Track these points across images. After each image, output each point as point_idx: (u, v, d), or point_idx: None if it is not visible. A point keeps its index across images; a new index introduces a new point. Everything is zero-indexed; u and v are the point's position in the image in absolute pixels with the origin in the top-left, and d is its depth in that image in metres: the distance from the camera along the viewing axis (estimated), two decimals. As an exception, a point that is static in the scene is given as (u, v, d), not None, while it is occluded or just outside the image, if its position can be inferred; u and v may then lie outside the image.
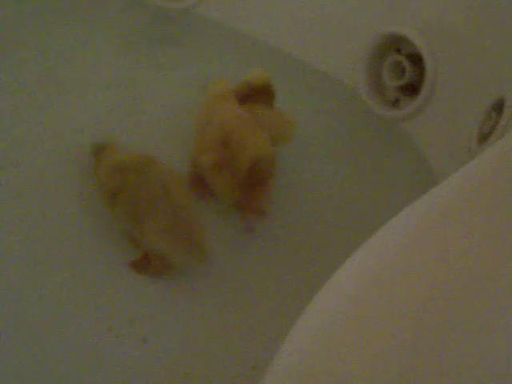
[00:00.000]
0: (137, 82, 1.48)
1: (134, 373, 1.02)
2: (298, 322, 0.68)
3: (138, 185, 1.12)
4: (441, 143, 1.50)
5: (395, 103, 1.63)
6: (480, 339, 0.59)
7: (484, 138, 1.33)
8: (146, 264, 1.15)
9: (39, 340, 1.03)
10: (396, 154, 1.58)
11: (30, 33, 1.54)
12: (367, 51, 1.62)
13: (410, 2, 1.57)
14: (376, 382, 0.59)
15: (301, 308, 0.71)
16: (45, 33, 1.55)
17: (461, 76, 1.49)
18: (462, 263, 0.65)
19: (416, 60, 1.57)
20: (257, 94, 1.34)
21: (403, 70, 1.57)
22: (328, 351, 0.62)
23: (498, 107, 1.31)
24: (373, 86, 1.65)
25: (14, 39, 1.51)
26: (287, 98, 1.35)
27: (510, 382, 0.58)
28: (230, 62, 1.37)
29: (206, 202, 1.26)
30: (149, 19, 1.34)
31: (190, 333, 1.08)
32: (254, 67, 1.42)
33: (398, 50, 1.61)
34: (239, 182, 1.19)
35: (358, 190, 1.42)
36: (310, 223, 1.32)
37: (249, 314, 1.14)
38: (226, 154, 1.20)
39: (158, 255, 1.12)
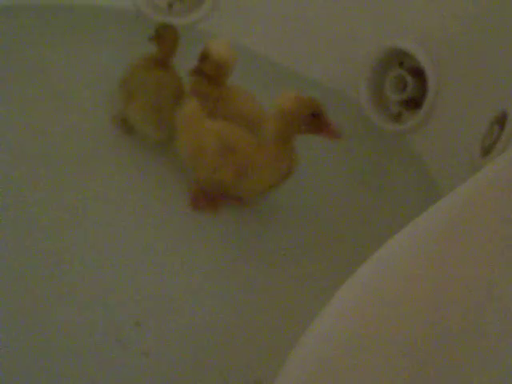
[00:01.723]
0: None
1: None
2: (298, 346, 0.67)
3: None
4: (444, 156, 1.50)
5: (398, 117, 1.64)
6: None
7: (487, 151, 1.33)
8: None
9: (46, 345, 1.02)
10: (399, 168, 1.58)
11: (32, 49, 1.55)
12: (369, 65, 1.63)
13: (412, 15, 1.58)
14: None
15: (302, 327, 0.71)
16: (47, 50, 1.56)
17: (463, 89, 1.50)
18: (466, 279, 0.64)
19: (418, 74, 1.57)
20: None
21: (405, 83, 1.58)
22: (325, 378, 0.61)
23: (501, 120, 1.31)
24: (375, 99, 1.65)
25: (16, 56, 1.53)
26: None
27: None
28: (232, 76, 1.37)
29: (212, 214, 1.29)
30: (151, 35, 1.35)
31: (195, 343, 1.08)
32: (257, 82, 1.43)
33: (401, 64, 1.62)
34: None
35: (361, 203, 1.42)
36: (311, 237, 1.32)
37: (252, 325, 1.13)
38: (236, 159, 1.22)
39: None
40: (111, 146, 1.38)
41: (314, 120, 1.17)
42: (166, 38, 1.37)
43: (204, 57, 1.33)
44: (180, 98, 1.34)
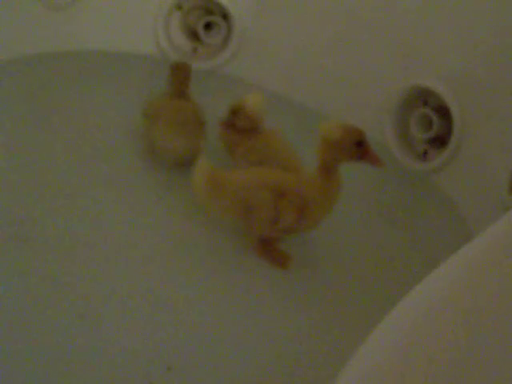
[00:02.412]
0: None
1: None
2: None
3: None
4: (471, 194, 1.48)
5: (424, 155, 1.63)
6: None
7: (515, 188, 1.31)
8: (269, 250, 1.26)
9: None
10: (426, 206, 1.57)
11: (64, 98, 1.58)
12: (394, 104, 1.63)
13: (436, 54, 1.58)
14: None
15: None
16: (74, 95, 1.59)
17: (489, 126, 1.49)
18: (497, 321, 0.63)
19: (443, 112, 1.57)
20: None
21: (431, 122, 1.57)
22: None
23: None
24: (401, 138, 1.65)
25: (43, 101, 1.56)
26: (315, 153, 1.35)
27: None
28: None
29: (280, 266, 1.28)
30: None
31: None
32: (283, 125, 1.44)
33: (425, 103, 1.62)
34: None
35: (390, 245, 1.40)
36: (339, 279, 1.30)
37: (289, 373, 1.12)
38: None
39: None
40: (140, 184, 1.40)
41: (359, 148, 1.19)
42: (178, 70, 1.45)
43: (236, 110, 1.37)
44: (201, 125, 1.41)
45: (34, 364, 1.02)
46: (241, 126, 1.38)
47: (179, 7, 1.77)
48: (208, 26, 1.77)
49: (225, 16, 1.77)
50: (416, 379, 0.60)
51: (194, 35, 1.79)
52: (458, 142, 1.54)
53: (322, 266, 1.32)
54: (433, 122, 1.57)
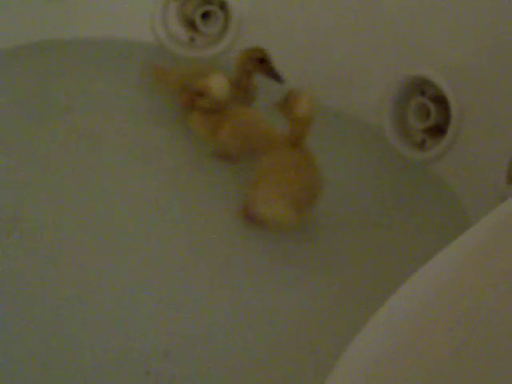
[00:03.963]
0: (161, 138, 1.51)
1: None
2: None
3: None
4: (469, 182, 1.49)
5: (422, 145, 1.63)
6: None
7: (512, 177, 1.32)
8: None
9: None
10: (424, 195, 1.57)
11: (57, 83, 1.58)
12: (392, 94, 1.63)
13: (433, 44, 1.58)
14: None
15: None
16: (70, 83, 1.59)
17: (486, 116, 1.49)
18: (496, 308, 0.63)
19: (441, 101, 1.57)
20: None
21: (428, 111, 1.57)
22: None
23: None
24: (398, 128, 1.65)
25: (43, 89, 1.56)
26: (312, 143, 1.35)
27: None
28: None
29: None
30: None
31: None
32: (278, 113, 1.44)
33: (423, 92, 1.62)
34: None
35: (389, 234, 1.41)
36: (338, 268, 1.30)
37: (284, 355, 1.12)
38: None
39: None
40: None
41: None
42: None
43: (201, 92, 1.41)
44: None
45: (31, 350, 1.03)
46: (205, 107, 1.41)
47: (176, -3, 1.77)
48: (205, 16, 1.76)
49: (222, 5, 1.76)
50: (415, 363, 0.60)
51: (191, 25, 1.79)
52: (456, 131, 1.54)
53: (322, 254, 1.32)
54: (430, 111, 1.57)
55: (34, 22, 1.66)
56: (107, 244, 1.23)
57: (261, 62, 1.49)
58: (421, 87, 1.62)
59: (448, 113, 1.55)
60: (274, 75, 1.50)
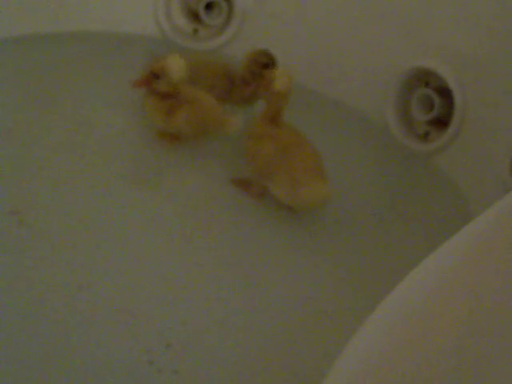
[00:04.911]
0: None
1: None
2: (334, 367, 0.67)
3: None
4: (473, 176, 1.48)
5: (425, 136, 1.63)
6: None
7: (516, 169, 1.32)
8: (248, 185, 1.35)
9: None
10: (427, 187, 1.57)
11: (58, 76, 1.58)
12: (395, 85, 1.63)
13: (437, 35, 1.57)
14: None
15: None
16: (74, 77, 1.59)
17: (490, 108, 1.49)
18: (500, 300, 0.64)
19: (445, 93, 1.57)
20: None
21: (432, 103, 1.57)
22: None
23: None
24: (402, 119, 1.65)
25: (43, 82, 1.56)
26: (316, 134, 1.35)
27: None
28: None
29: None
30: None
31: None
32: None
33: (427, 84, 1.61)
34: None
35: (392, 226, 1.41)
36: (341, 258, 1.31)
37: (282, 350, 1.13)
38: None
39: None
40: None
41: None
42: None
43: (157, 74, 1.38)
44: None
45: (32, 338, 1.03)
46: (161, 91, 1.38)
47: (180, -12, 1.77)
48: (209, 7, 1.76)
49: (226, -4, 1.76)
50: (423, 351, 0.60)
51: (194, 16, 1.78)
52: (460, 123, 1.53)
53: (324, 245, 1.33)
54: (434, 102, 1.56)
55: (36, 14, 1.65)
56: (108, 236, 1.23)
57: (266, 66, 1.48)
58: (425, 78, 1.61)
59: (451, 105, 1.55)
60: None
